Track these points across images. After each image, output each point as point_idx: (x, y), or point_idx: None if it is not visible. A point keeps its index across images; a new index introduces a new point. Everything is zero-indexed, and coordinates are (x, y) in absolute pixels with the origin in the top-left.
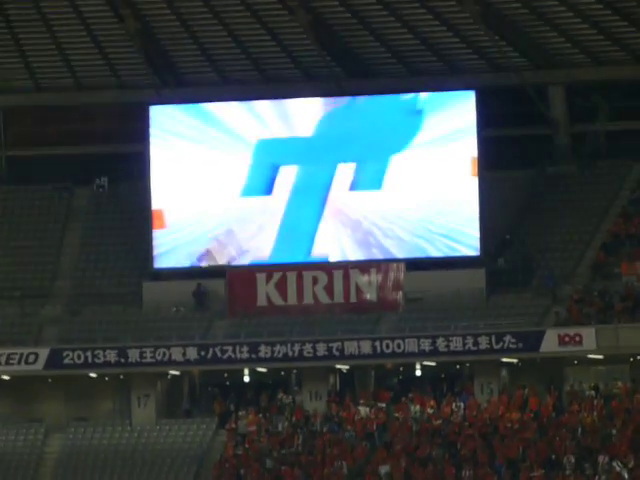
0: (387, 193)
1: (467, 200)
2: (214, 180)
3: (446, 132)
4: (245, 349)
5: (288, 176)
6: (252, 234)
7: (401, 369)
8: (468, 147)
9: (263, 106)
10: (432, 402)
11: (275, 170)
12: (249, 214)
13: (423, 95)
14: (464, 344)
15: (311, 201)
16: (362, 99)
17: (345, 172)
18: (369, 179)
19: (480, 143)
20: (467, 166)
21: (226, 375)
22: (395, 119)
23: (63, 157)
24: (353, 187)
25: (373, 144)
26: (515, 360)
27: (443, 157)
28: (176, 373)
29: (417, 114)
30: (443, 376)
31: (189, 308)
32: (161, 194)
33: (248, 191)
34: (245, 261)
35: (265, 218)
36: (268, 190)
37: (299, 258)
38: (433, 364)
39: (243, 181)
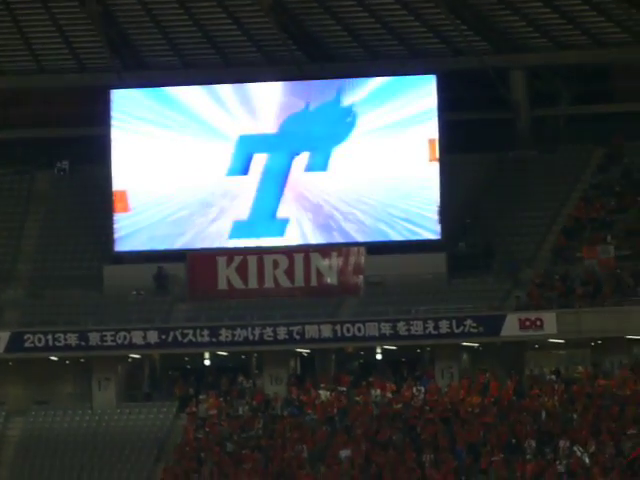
0: (348, 177)
1: (428, 184)
2: (175, 163)
3: (407, 116)
4: (206, 333)
5: (258, 163)
6: (213, 217)
7: (362, 353)
8: (429, 131)
9: (224, 90)
10: (393, 386)
11: (249, 157)
12: (210, 197)
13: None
14: (425, 328)
15: (273, 185)
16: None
17: (301, 159)
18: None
19: (441, 127)
20: (428, 150)
21: (187, 359)
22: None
23: (24, 140)
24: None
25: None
26: (476, 344)
27: (404, 141)
28: (137, 356)
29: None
30: (404, 360)
31: (150, 291)
32: (123, 177)
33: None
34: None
35: (225, 202)
36: (243, 171)
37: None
38: (394, 348)
39: (207, 164)
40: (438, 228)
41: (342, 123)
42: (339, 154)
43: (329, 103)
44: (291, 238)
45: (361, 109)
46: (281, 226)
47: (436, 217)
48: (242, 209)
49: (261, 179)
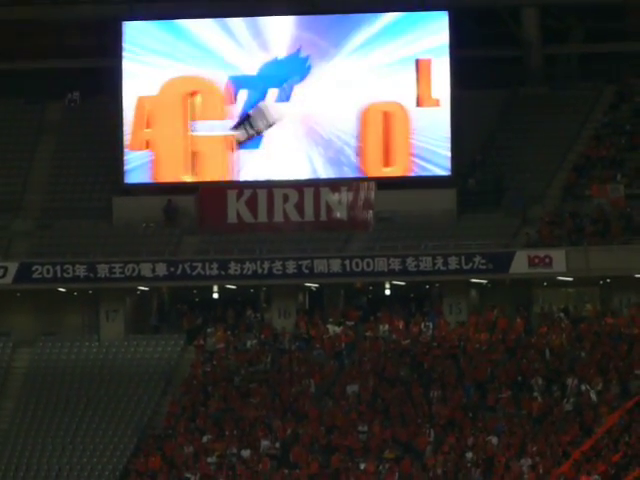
0: (359, 111)
1: (439, 119)
2: None
3: (419, 51)
4: (214, 266)
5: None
6: None
7: (370, 288)
8: (441, 67)
9: (236, 23)
10: (401, 322)
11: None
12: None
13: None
14: (434, 264)
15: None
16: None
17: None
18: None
19: (453, 63)
20: (439, 86)
21: (195, 292)
22: None
23: (35, 71)
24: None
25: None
26: (484, 281)
27: (414, 76)
28: (145, 289)
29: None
30: (412, 296)
31: (159, 224)
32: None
33: None
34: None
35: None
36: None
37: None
38: (402, 284)
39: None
40: (448, 164)
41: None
42: (348, 90)
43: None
44: (301, 172)
45: (373, 45)
46: None
47: (447, 153)
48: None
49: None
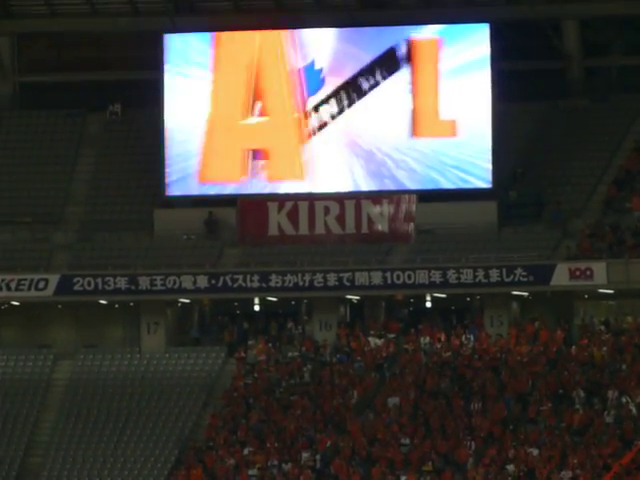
0: (400, 124)
1: (480, 132)
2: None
3: (460, 64)
4: (256, 278)
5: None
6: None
7: (411, 300)
8: (482, 80)
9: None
10: (442, 334)
11: None
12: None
13: None
14: (475, 276)
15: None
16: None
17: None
18: None
19: (494, 76)
20: (480, 99)
21: (236, 304)
22: None
23: (77, 83)
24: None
25: None
26: (526, 293)
27: (457, 89)
28: (186, 301)
29: None
30: (453, 308)
31: (200, 236)
32: (174, 122)
33: None
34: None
35: None
36: None
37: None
38: (443, 296)
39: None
40: (489, 177)
41: None
42: (390, 102)
43: None
44: (343, 185)
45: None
46: None
47: (488, 166)
48: None
49: None
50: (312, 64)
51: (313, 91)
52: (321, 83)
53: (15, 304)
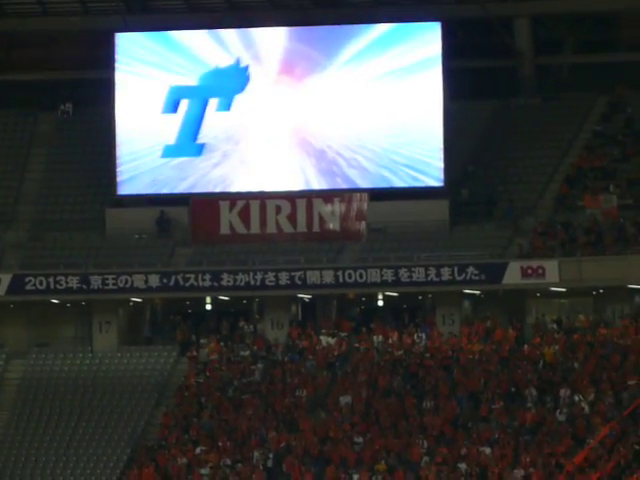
0: (351, 123)
1: (431, 130)
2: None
3: (411, 63)
4: (207, 277)
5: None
6: (215, 162)
7: (363, 299)
8: (433, 78)
9: (229, 35)
10: (394, 333)
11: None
12: (214, 141)
13: None
14: (427, 275)
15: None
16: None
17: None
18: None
19: (445, 74)
20: (431, 97)
21: (188, 303)
22: None
23: (28, 83)
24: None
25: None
26: (477, 292)
27: (408, 88)
28: (138, 300)
29: None
30: (405, 307)
31: (152, 235)
32: (125, 121)
33: None
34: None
35: (229, 146)
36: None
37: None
38: (395, 294)
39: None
40: (441, 175)
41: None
42: (341, 101)
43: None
44: (294, 184)
45: (365, 56)
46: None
47: (440, 164)
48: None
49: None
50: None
51: (240, 89)
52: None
53: None
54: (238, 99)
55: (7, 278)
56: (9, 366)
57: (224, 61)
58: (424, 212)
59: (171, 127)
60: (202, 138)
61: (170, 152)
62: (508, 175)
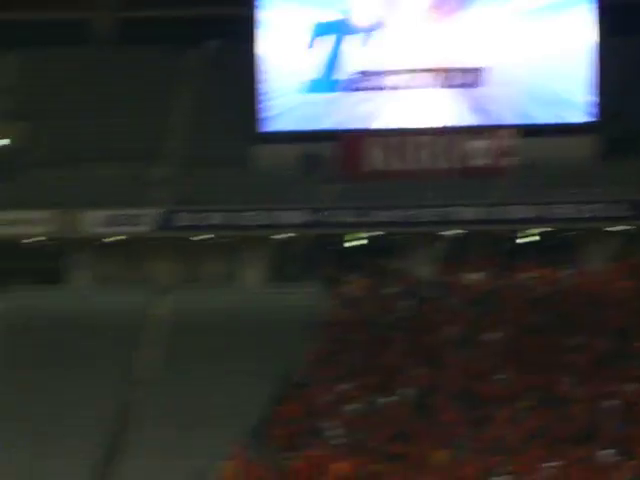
0: (500, 59)
1: (581, 66)
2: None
3: None
4: (355, 214)
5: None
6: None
7: (510, 236)
8: (586, 13)
9: None
10: (542, 269)
11: None
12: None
13: None
14: (576, 211)
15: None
16: None
17: None
18: None
19: (599, 9)
20: (583, 32)
21: (335, 240)
22: None
23: (174, 19)
24: None
25: None
26: (628, 227)
27: (560, 22)
28: (285, 237)
29: None
30: (553, 243)
31: (299, 172)
32: (270, 58)
33: None
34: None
35: (376, 81)
36: None
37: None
38: (543, 231)
39: None
40: (591, 111)
41: None
42: (489, 36)
43: None
44: (441, 119)
45: None
46: None
47: (589, 100)
48: None
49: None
50: None
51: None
52: None
53: (114, 240)
54: (385, 34)
55: (154, 215)
56: (156, 302)
57: None
58: (573, 148)
59: (316, 63)
60: (348, 74)
61: (315, 88)
62: None
